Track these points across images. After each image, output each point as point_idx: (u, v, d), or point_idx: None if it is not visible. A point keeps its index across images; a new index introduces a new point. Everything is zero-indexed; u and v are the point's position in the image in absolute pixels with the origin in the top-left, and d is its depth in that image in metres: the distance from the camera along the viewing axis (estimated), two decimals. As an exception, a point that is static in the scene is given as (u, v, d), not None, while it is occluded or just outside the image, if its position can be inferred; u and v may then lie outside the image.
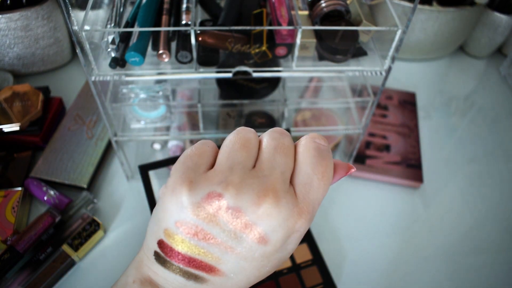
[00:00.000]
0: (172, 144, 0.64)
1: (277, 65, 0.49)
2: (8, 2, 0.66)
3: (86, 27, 0.41)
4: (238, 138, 0.24)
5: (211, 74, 0.48)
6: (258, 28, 0.45)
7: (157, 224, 0.24)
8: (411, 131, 0.71)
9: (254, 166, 0.24)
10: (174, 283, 0.24)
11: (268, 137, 0.25)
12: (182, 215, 0.23)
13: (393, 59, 0.47)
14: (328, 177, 0.24)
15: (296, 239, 0.24)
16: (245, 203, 0.22)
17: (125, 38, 0.46)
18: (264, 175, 0.23)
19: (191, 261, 0.24)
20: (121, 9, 0.49)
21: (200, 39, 0.45)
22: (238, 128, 0.25)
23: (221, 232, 0.23)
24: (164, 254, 0.24)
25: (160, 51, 0.46)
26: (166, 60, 0.46)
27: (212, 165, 0.24)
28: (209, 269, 0.24)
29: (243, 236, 0.23)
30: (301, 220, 0.23)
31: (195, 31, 0.44)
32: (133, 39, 0.45)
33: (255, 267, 0.24)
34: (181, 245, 0.23)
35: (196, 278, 0.24)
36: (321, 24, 0.48)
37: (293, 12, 0.47)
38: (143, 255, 0.26)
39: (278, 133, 0.25)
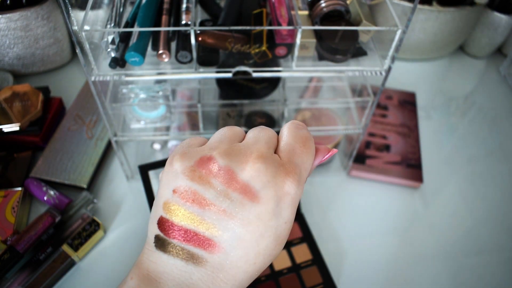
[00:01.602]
0: (172, 144, 0.64)
1: (277, 65, 0.49)
2: (8, 2, 0.66)
3: (86, 27, 0.41)
4: (226, 127, 0.28)
5: (211, 74, 0.48)
6: (258, 28, 0.45)
7: (157, 204, 0.26)
8: (411, 131, 0.71)
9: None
10: (173, 271, 0.24)
11: (252, 129, 0.28)
12: (178, 181, 0.24)
13: (393, 59, 0.47)
14: (309, 147, 0.27)
15: (289, 204, 0.25)
16: (234, 163, 0.24)
17: (125, 38, 0.46)
18: (250, 143, 0.26)
19: (187, 234, 0.24)
20: (121, 9, 0.49)
21: (200, 39, 0.45)
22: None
23: (215, 194, 0.24)
24: (163, 234, 0.25)
25: (160, 51, 0.46)
26: (166, 60, 0.46)
27: None
28: (205, 243, 0.24)
29: (235, 195, 0.24)
30: (289, 179, 0.24)
31: (195, 31, 0.44)
32: (133, 39, 0.45)
33: (252, 237, 0.24)
34: (179, 215, 0.24)
35: (194, 259, 0.24)
36: (321, 24, 0.48)
37: (293, 12, 0.47)
38: (144, 250, 0.26)
39: (261, 126, 0.28)
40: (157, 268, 0.25)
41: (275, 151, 0.26)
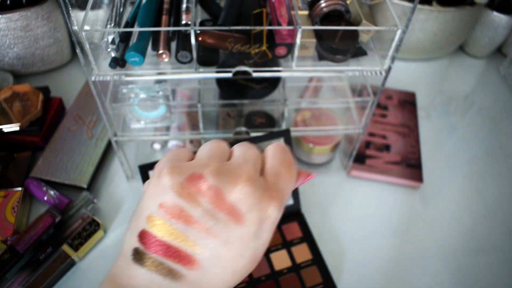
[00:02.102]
0: (172, 144, 0.64)
1: (277, 65, 0.49)
2: (8, 2, 0.66)
3: (86, 27, 0.41)
4: (213, 142, 0.28)
5: (211, 74, 0.48)
6: (258, 28, 0.45)
7: (139, 216, 0.26)
8: (411, 131, 0.71)
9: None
10: (149, 285, 0.24)
11: (237, 145, 0.28)
12: (166, 196, 0.24)
13: (393, 59, 0.47)
14: (293, 172, 0.28)
15: (269, 227, 0.25)
16: (223, 183, 0.24)
17: (125, 38, 0.46)
18: (239, 163, 0.26)
19: (169, 250, 0.24)
20: (121, 9, 0.49)
21: (200, 39, 0.45)
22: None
23: (201, 213, 0.24)
24: (143, 246, 0.24)
25: (160, 51, 0.46)
26: (166, 60, 0.46)
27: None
28: (186, 259, 0.24)
29: (221, 215, 0.24)
30: (272, 204, 0.25)
31: (195, 31, 0.44)
32: (133, 39, 0.45)
33: (231, 257, 0.24)
34: (162, 229, 0.24)
35: (172, 274, 0.24)
36: (321, 24, 0.48)
37: (293, 12, 0.47)
38: (118, 262, 0.26)
39: (246, 143, 0.29)
40: (133, 282, 0.24)
41: (261, 172, 0.27)
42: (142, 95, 0.55)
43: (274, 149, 0.28)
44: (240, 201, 0.24)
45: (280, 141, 0.31)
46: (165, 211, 0.24)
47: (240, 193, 0.24)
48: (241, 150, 0.27)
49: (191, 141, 0.63)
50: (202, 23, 0.54)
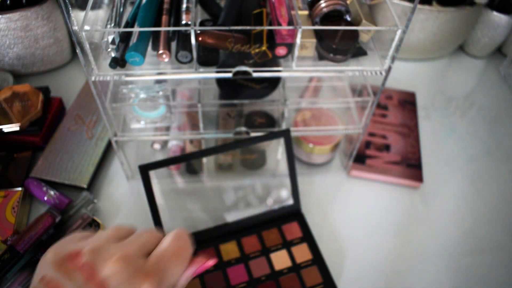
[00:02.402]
0: (172, 144, 0.64)
1: (277, 65, 0.49)
2: (8, 2, 0.66)
3: (86, 27, 0.41)
4: (115, 226, 0.30)
5: (211, 74, 0.48)
6: (258, 28, 0.45)
7: None
8: (411, 131, 0.71)
9: None
10: None
11: (142, 230, 0.30)
12: (46, 269, 0.26)
13: (393, 59, 0.47)
14: (182, 254, 0.29)
15: None
16: (98, 260, 0.26)
17: (125, 38, 0.46)
18: (122, 244, 0.27)
19: None
20: (121, 9, 0.49)
21: (200, 39, 0.45)
22: None
23: (75, 287, 0.25)
24: None
25: (160, 51, 0.46)
26: (166, 60, 0.46)
27: None
28: None
29: None
30: (146, 283, 0.26)
31: (195, 31, 0.44)
32: (133, 39, 0.45)
33: None
34: None
35: None
36: (321, 24, 0.48)
37: (293, 12, 0.47)
38: None
39: (150, 230, 0.30)
40: None
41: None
42: (142, 95, 0.55)
43: (171, 234, 0.30)
44: (109, 277, 0.25)
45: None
46: (44, 285, 0.25)
47: (111, 269, 0.25)
48: (137, 233, 0.29)
49: (191, 141, 0.63)
50: (202, 23, 0.54)
